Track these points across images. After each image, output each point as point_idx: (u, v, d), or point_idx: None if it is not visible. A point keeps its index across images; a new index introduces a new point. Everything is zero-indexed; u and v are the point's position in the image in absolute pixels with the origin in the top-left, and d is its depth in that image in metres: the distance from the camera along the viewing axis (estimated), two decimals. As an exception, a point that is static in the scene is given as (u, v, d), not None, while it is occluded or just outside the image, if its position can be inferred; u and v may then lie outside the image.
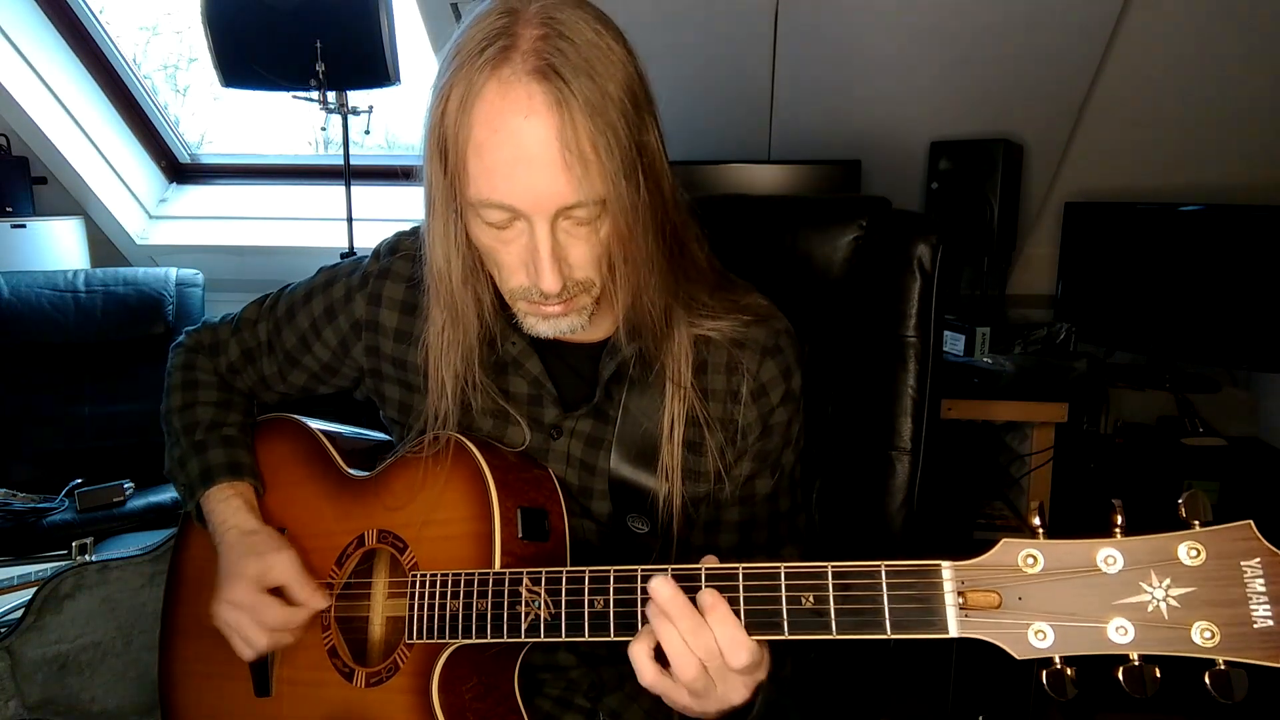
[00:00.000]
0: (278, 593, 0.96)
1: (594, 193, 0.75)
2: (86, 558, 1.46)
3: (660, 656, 0.72)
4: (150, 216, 3.28)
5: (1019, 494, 2.37)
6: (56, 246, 2.97)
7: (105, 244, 3.21)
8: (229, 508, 1.01)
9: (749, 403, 0.92)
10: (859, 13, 2.25)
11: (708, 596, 0.71)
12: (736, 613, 0.71)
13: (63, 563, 1.57)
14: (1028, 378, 2.24)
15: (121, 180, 3.15)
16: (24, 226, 2.89)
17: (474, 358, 0.90)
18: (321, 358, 1.06)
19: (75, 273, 2.73)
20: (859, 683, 1.15)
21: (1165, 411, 2.43)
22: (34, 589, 1.19)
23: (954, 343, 2.39)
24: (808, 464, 1.03)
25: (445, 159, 0.78)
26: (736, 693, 0.73)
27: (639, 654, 0.73)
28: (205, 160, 3.37)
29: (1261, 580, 0.58)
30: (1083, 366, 2.29)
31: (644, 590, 0.75)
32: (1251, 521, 0.59)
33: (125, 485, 2.31)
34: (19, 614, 1.17)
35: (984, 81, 2.36)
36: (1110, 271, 2.42)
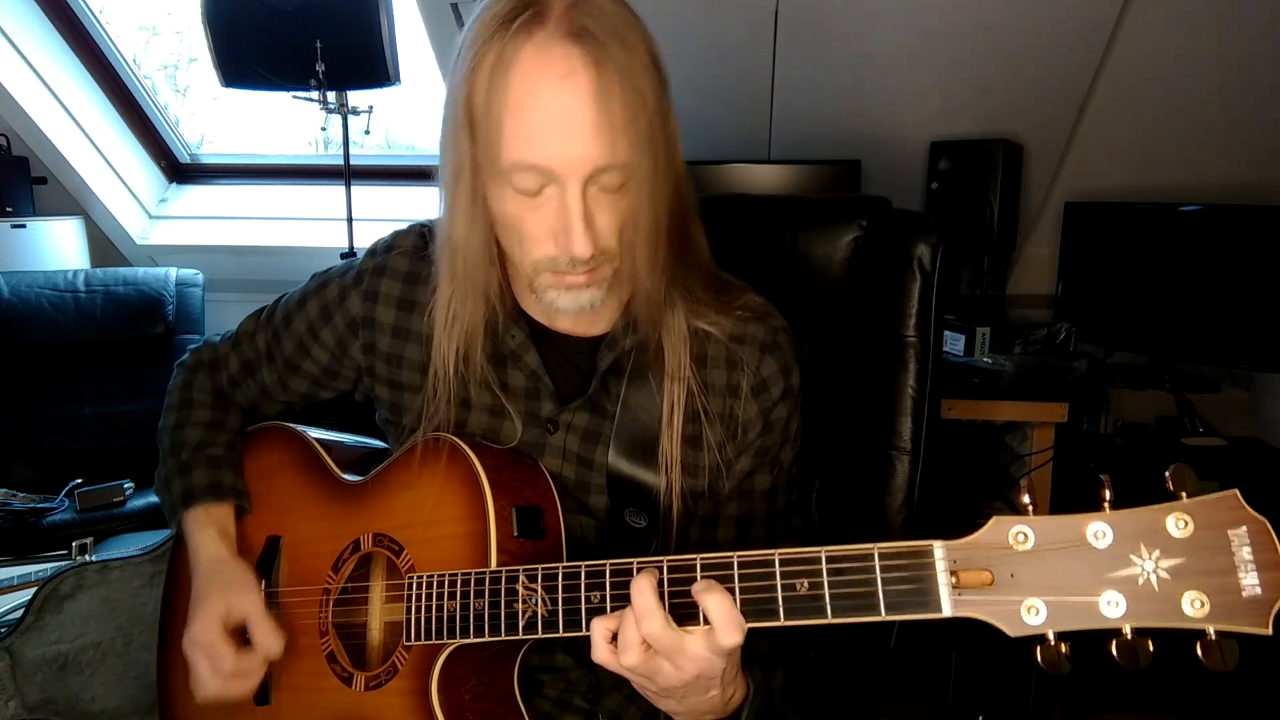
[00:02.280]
0: (243, 629, 0.96)
1: (624, 156, 0.77)
2: (86, 558, 1.46)
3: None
4: (150, 216, 3.28)
5: (1019, 494, 2.36)
6: (56, 246, 2.97)
7: (105, 244, 3.21)
8: (204, 536, 1.01)
9: (749, 398, 0.93)
10: (859, 13, 2.25)
11: (700, 585, 0.71)
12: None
13: (63, 563, 1.57)
14: (1028, 378, 2.24)
15: (121, 180, 3.16)
16: (24, 226, 2.89)
17: (479, 336, 0.90)
18: (321, 361, 1.06)
19: (75, 273, 2.73)
20: (859, 683, 1.15)
21: (1165, 411, 2.44)
22: (34, 589, 1.19)
23: (954, 343, 2.39)
24: (806, 464, 1.03)
25: (474, 128, 0.78)
26: (687, 689, 0.74)
27: (596, 631, 0.74)
28: (205, 160, 3.37)
29: (1249, 549, 0.59)
30: (1083, 366, 2.29)
31: None
32: (1237, 490, 0.60)
33: (125, 485, 2.31)
34: (19, 614, 1.17)
35: (984, 81, 2.36)
36: (1110, 271, 2.42)
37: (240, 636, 0.96)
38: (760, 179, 2.50)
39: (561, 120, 0.75)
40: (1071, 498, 2.19)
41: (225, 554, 1.01)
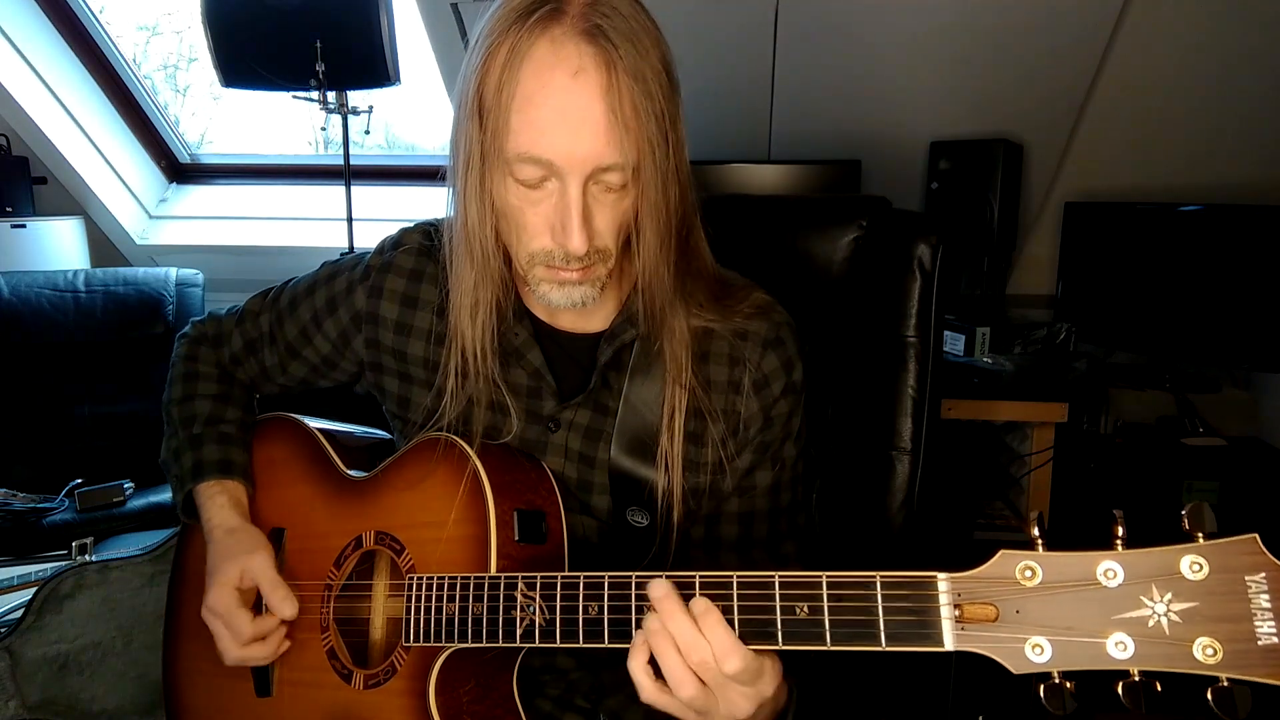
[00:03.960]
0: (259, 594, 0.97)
1: (629, 157, 0.78)
2: (86, 558, 1.46)
3: (658, 670, 0.72)
4: (150, 216, 3.28)
5: (1019, 494, 2.37)
6: (56, 246, 2.97)
7: (105, 244, 3.21)
8: (215, 505, 1.02)
9: (751, 394, 0.93)
10: (859, 13, 2.25)
11: (699, 604, 0.70)
12: (731, 622, 0.70)
13: (63, 563, 1.57)
14: (1028, 378, 2.24)
15: (121, 180, 3.16)
16: (24, 226, 2.89)
17: (497, 320, 0.90)
18: (321, 350, 1.06)
19: (75, 273, 2.73)
20: (859, 686, 1.15)
21: (1165, 411, 2.43)
22: (34, 589, 1.19)
23: (954, 343, 2.39)
24: (810, 462, 1.03)
25: (483, 116, 0.79)
26: (738, 707, 0.72)
27: (636, 669, 0.72)
28: (205, 160, 3.37)
29: (1266, 596, 0.56)
30: (1083, 366, 2.29)
31: (639, 597, 0.74)
32: (1257, 535, 0.57)
33: (125, 485, 2.31)
34: (19, 614, 1.17)
35: (984, 81, 2.36)
36: (1110, 271, 2.42)
37: (258, 601, 0.97)
38: (760, 179, 2.50)
39: (569, 116, 0.76)
40: (1072, 498, 2.19)
41: (238, 521, 1.02)
